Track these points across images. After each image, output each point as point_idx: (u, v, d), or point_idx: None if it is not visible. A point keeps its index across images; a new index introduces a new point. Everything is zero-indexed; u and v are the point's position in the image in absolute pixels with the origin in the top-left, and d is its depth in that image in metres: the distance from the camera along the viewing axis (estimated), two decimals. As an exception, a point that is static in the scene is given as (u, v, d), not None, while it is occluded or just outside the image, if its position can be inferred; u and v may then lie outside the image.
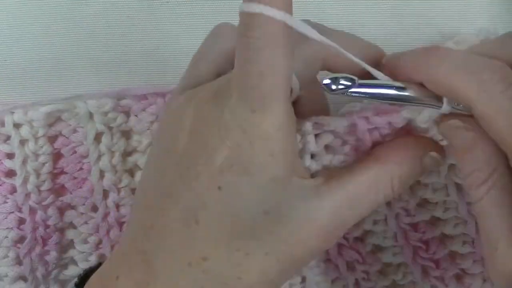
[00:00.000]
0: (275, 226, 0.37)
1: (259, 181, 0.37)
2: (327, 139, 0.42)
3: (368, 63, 0.39)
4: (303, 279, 0.50)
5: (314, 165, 0.42)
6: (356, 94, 0.39)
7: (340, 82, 0.38)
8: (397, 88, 0.39)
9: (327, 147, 0.43)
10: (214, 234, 0.37)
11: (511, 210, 0.37)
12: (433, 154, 0.41)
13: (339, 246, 0.51)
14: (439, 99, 0.39)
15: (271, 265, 0.37)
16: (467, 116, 0.38)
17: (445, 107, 0.39)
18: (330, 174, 0.40)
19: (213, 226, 0.37)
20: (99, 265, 0.45)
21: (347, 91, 0.39)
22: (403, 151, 0.41)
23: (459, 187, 0.49)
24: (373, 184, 0.39)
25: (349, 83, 0.38)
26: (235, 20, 0.50)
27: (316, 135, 0.42)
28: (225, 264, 0.37)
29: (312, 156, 0.42)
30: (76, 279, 0.45)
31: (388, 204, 0.51)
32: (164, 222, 0.38)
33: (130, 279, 0.38)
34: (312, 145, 0.42)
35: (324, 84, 0.38)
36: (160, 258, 0.38)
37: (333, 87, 0.38)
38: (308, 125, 0.42)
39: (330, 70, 0.41)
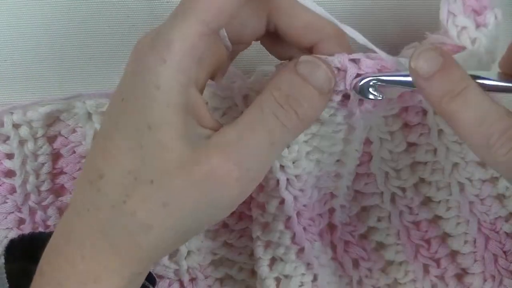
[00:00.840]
0: (159, 152, 0.37)
1: (148, 87, 0.37)
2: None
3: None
4: (315, 277, 0.50)
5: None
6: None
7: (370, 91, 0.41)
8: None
9: None
10: (113, 149, 0.38)
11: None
12: (305, 57, 0.40)
13: (346, 243, 0.52)
14: None
15: (155, 194, 0.37)
16: None
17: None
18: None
19: (115, 139, 0.38)
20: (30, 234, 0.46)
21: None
22: (276, 73, 0.42)
23: (461, 186, 0.49)
24: (258, 106, 0.38)
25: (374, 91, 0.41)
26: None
27: None
28: (116, 184, 0.37)
29: None
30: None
31: (393, 201, 0.51)
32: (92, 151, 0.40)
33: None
34: None
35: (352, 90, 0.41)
36: (78, 182, 0.40)
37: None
38: None
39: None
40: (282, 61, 0.46)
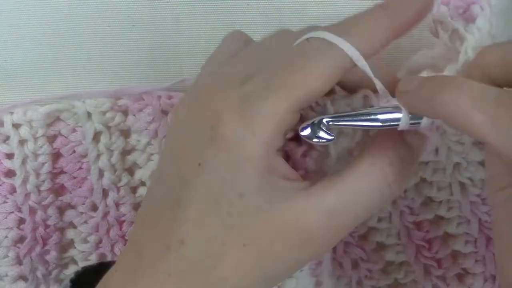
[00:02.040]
0: (255, 215, 0.36)
1: (237, 158, 0.36)
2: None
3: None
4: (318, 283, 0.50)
5: None
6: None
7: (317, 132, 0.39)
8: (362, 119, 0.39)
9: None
10: (194, 216, 0.37)
11: None
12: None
13: (345, 243, 0.52)
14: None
15: (247, 258, 0.37)
16: None
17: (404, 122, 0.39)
18: (320, 178, 0.39)
19: (194, 207, 0.37)
20: (99, 264, 0.45)
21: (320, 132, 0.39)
22: (385, 140, 0.40)
23: (463, 186, 0.49)
24: (365, 180, 0.38)
25: (325, 135, 0.39)
26: (235, 20, 0.51)
27: None
28: (202, 251, 0.36)
29: None
30: (72, 275, 0.45)
31: (393, 201, 0.51)
32: (151, 208, 0.39)
33: (123, 270, 0.38)
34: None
35: (303, 135, 0.39)
36: (147, 244, 0.38)
37: (314, 140, 0.39)
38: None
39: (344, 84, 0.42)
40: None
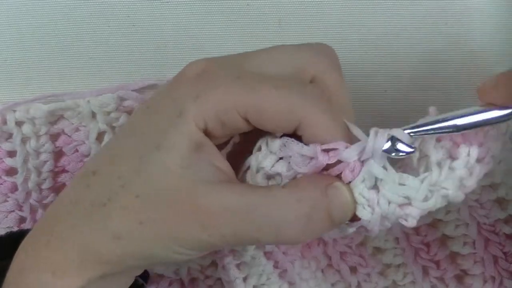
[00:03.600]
0: (157, 170, 0.37)
1: (171, 118, 0.37)
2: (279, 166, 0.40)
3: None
4: None
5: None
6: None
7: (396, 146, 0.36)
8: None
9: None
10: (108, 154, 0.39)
11: None
12: (337, 184, 0.38)
13: (342, 253, 0.52)
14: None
15: (133, 208, 0.37)
16: None
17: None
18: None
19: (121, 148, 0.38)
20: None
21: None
22: (307, 181, 0.38)
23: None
24: (277, 202, 0.37)
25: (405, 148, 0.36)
26: (235, 20, 0.51)
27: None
28: (103, 186, 0.37)
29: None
30: None
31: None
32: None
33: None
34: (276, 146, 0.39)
35: (383, 150, 0.36)
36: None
37: (393, 154, 0.36)
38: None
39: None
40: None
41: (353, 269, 0.52)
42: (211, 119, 0.37)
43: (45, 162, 0.52)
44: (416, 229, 0.51)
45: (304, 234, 0.38)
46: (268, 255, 0.47)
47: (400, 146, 0.36)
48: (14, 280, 0.38)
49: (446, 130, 0.36)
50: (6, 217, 0.52)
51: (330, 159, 0.37)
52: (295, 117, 0.37)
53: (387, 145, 0.36)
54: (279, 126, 0.38)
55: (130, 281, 0.41)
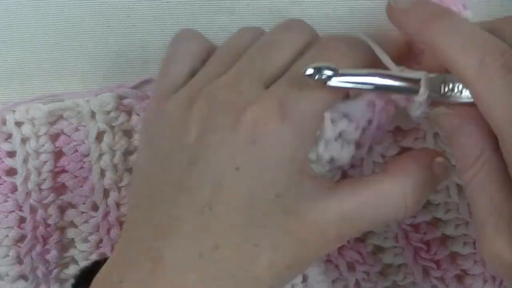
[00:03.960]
0: (285, 214, 0.37)
1: (277, 160, 0.37)
2: (342, 125, 0.41)
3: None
4: (305, 279, 0.50)
5: (326, 154, 0.41)
6: (337, 84, 0.38)
7: (323, 72, 0.37)
8: (380, 76, 0.39)
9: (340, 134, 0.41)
10: (228, 220, 0.37)
11: (495, 194, 0.36)
12: (440, 159, 0.41)
13: (340, 248, 0.51)
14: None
15: (279, 258, 0.37)
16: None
17: (422, 93, 0.38)
18: (342, 180, 0.40)
19: (228, 210, 0.37)
20: (95, 263, 0.45)
21: (329, 81, 0.38)
22: (411, 162, 0.41)
23: (460, 188, 0.49)
24: (384, 195, 0.39)
25: (331, 73, 0.37)
26: (235, 20, 0.51)
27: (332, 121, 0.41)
28: (236, 254, 0.37)
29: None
30: (73, 280, 0.45)
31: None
32: (176, 213, 0.38)
33: (135, 281, 0.37)
34: (329, 131, 0.40)
35: (306, 74, 0.37)
36: (170, 252, 0.37)
37: (316, 77, 0.37)
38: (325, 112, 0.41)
39: None
40: None
41: (351, 267, 0.52)
42: None
43: (45, 162, 0.51)
44: (415, 227, 0.51)
45: (413, 211, 0.40)
46: None
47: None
48: None
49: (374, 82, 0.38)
50: (6, 217, 0.52)
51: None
52: None
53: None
54: None
55: None
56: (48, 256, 0.53)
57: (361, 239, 0.52)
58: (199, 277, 0.36)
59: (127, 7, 0.50)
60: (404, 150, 0.49)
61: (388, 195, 0.39)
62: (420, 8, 0.37)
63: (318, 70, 0.37)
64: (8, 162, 0.51)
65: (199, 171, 0.37)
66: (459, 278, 0.51)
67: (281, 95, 0.38)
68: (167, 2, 0.50)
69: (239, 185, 0.37)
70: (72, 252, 0.53)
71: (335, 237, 0.39)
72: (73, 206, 0.53)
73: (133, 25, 0.51)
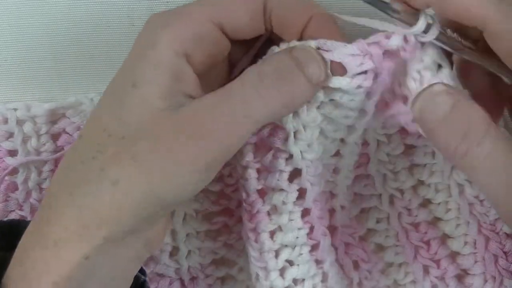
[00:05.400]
0: (140, 108, 0.37)
1: (144, 50, 0.38)
2: None
3: None
4: (325, 278, 0.49)
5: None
6: None
7: None
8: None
9: None
10: (94, 110, 0.39)
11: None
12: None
13: (346, 245, 0.52)
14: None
15: (124, 150, 0.36)
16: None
17: (420, 26, 0.38)
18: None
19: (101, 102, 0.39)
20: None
21: None
22: None
23: (461, 188, 0.49)
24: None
25: None
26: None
27: None
28: (91, 142, 0.37)
29: None
30: None
31: (391, 203, 0.51)
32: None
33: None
34: None
35: None
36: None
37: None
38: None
39: None
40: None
41: (356, 265, 0.52)
42: (188, 39, 0.37)
43: (46, 161, 0.51)
44: (415, 226, 0.51)
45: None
46: (305, 216, 0.46)
47: None
48: (19, 259, 0.37)
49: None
50: (7, 216, 0.52)
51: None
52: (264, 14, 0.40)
53: None
54: (255, 28, 0.40)
55: (137, 259, 0.40)
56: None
57: (364, 237, 0.52)
58: (64, 164, 0.38)
59: (127, 7, 0.50)
60: (408, 148, 0.49)
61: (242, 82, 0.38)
62: (454, 122, 0.36)
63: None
64: (9, 161, 0.51)
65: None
66: (459, 277, 0.51)
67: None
68: (167, 2, 0.50)
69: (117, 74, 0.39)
70: (72, 251, 0.53)
71: (211, 129, 0.37)
72: (73, 205, 0.53)
73: (133, 25, 0.51)
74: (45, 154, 0.51)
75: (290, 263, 0.46)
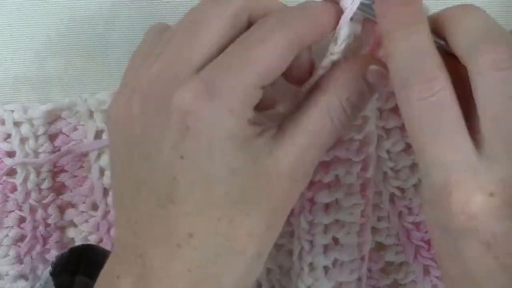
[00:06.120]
0: (246, 184, 0.37)
1: (218, 140, 0.37)
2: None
3: None
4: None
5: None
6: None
7: None
8: None
9: None
10: (193, 208, 0.37)
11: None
12: (373, 67, 0.41)
13: None
14: None
15: (256, 224, 0.38)
16: None
17: None
18: (282, 121, 0.40)
19: (189, 199, 0.37)
20: (71, 250, 0.47)
21: None
22: (343, 74, 0.41)
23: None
24: (325, 114, 0.39)
25: None
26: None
27: None
28: (212, 236, 0.37)
29: None
30: (50, 268, 0.46)
31: (392, 201, 0.51)
32: (141, 213, 0.39)
33: (129, 276, 0.39)
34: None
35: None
36: (150, 248, 0.38)
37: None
38: None
39: None
40: None
41: None
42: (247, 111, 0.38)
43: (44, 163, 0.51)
44: (416, 225, 0.51)
45: (352, 117, 0.41)
46: (363, 190, 0.48)
47: None
48: None
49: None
50: (6, 217, 0.52)
51: None
52: (296, 42, 0.38)
53: None
54: (289, 60, 0.39)
55: None
56: (48, 256, 0.53)
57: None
58: (184, 265, 0.37)
59: (127, 7, 0.50)
60: (410, 147, 0.49)
61: (330, 111, 0.40)
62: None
63: None
64: (8, 162, 0.51)
65: (149, 166, 0.38)
66: (459, 277, 0.51)
67: (208, 75, 0.37)
68: (167, 2, 0.50)
69: (190, 173, 0.37)
70: (72, 251, 0.53)
71: (299, 174, 0.39)
72: (72, 205, 0.53)
73: (133, 25, 0.51)
74: (43, 155, 0.51)
75: (336, 241, 0.47)
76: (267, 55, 0.37)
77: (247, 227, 0.38)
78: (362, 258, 0.49)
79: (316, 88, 0.41)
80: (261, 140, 0.38)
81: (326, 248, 0.47)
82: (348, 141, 0.46)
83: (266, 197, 0.38)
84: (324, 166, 0.46)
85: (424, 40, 0.37)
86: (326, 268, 0.48)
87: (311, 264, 0.48)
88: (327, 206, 0.46)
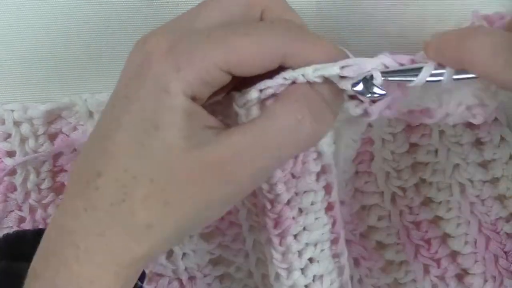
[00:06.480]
0: (163, 150, 0.37)
1: (159, 91, 0.37)
2: None
3: None
4: (341, 272, 0.49)
5: None
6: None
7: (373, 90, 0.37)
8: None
9: None
10: (113, 148, 0.38)
11: None
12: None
13: (347, 242, 0.51)
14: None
15: (155, 193, 0.37)
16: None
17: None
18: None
19: (118, 138, 0.38)
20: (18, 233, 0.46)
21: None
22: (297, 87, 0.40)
23: (462, 187, 0.49)
24: (273, 121, 0.38)
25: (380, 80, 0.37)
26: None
27: None
28: (114, 182, 0.37)
29: None
30: None
31: (393, 201, 0.51)
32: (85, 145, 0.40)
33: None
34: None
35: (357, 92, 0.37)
36: (73, 179, 0.39)
37: (368, 96, 0.37)
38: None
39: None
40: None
41: (356, 262, 0.53)
42: (197, 85, 0.37)
43: (44, 162, 0.51)
44: (416, 225, 0.51)
45: (319, 129, 0.39)
46: (329, 210, 0.47)
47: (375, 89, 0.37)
48: None
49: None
50: (6, 217, 0.52)
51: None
52: (278, 53, 0.38)
53: (359, 86, 0.37)
54: (263, 66, 0.38)
55: None
56: (48, 256, 0.53)
57: (365, 235, 0.52)
58: (84, 204, 0.38)
59: (127, 7, 0.50)
60: (412, 146, 0.50)
61: (277, 117, 0.38)
62: (450, 35, 0.38)
63: (365, 84, 0.37)
64: (8, 161, 0.51)
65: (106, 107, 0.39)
66: (460, 277, 0.52)
67: (189, 37, 0.38)
68: (167, 2, 0.50)
69: (127, 113, 0.38)
70: (72, 251, 0.53)
71: (234, 172, 0.38)
72: (72, 205, 0.52)
73: (133, 25, 0.51)
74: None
75: (311, 260, 0.46)
76: (244, 48, 0.37)
77: (145, 192, 0.37)
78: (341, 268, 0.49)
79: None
80: (206, 130, 0.38)
81: (303, 270, 0.46)
82: (308, 174, 0.45)
83: (170, 173, 0.37)
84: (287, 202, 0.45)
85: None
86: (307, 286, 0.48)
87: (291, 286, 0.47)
88: (295, 236, 0.46)
